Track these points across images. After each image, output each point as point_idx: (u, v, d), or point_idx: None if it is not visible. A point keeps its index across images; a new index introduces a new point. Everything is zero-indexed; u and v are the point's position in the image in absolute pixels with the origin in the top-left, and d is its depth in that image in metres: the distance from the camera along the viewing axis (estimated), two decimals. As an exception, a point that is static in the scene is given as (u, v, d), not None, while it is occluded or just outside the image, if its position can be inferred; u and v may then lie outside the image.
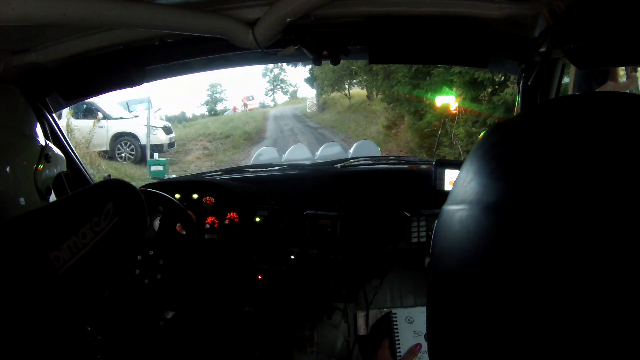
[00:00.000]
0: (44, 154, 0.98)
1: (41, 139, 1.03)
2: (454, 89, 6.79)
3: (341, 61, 1.10)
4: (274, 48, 1.06)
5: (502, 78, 6.45)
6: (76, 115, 8.82)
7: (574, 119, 0.29)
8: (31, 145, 0.98)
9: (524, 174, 0.29)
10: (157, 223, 1.22)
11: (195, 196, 1.38)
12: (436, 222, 0.38)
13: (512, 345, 0.26)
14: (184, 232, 1.21)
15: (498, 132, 0.35)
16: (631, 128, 0.26)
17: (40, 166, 0.96)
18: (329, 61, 1.07)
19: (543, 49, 0.96)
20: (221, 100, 29.36)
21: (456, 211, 0.33)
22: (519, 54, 1.06)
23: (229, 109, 26.41)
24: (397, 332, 1.14)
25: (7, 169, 0.89)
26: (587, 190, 0.25)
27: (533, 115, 0.35)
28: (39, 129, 1.06)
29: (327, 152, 4.26)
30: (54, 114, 1.19)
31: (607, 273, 0.23)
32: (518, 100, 1.15)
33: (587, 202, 0.24)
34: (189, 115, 26.27)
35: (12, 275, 0.49)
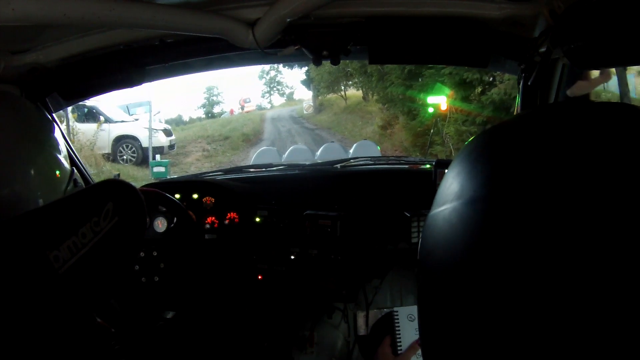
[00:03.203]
0: None
1: None
2: (445, 89, 7.03)
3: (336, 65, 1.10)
4: (274, 48, 1.06)
5: (491, 79, 6.71)
6: (79, 119, 9.14)
7: (557, 123, 0.30)
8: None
9: (504, 165, 0.30)
10: (159, 223, 1.22)
11: (195, 196, 1.38)
12: (422, 230, 0.39)
13: (503, 338, 0.27)
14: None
15: (479, 137, 0.36)
16: (614, 131, 0.27)
17: None
18: (329, 61, 1.07)
19: (543, 49, 0.96)
20: (218, 102, 29.45)
21: (439, 212, 0.34)
22: (519, 54, 1.06)
23: (225, 112, 26.51)
24: (399, 330, 1.14)
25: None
26: (567, 178, 0.26)
27: (519, 120, 0.36)
28: None
29: (327, 152, 4.27)
30: (54, 114, 1.19)
31: (594, 263, 0.23)
32: (518, 100, 1.15)
33: (568, 189, 0.25)
34: (185, 118, 26.39)
35: (12, 275, 0.49)
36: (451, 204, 0.32)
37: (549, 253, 0.25)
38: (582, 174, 0.26)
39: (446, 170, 0.39)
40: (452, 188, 0.33)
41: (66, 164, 0.72)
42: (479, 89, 7.06)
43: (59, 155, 0.70)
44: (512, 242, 0.26)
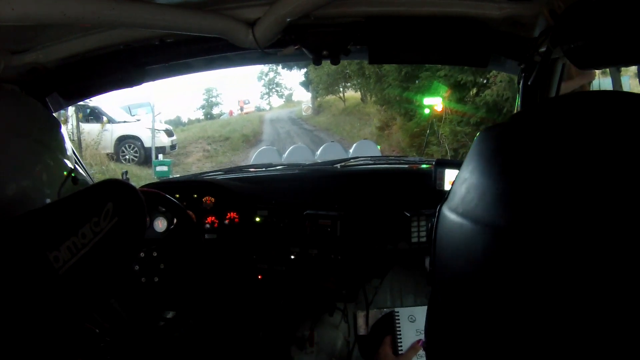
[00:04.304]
0: None
1: None
2: (440, 90, 7.28)
3: (335, 65, 1.10)
4: (274, 48, 1.05)
5: (485, 81, 6.99)
6: (84, 119, 9.35)
7: (577, 124, 0.29)
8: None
9: (526, 193, 0.29)
10: (159, 224, 1.22)
11: (195, 196, 1.38)
12: (435, 223, 0.38)
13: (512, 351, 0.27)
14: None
15: (498, 140, 0.34)
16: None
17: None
18: (328, 61, 1.07)
19: (543, 49, 0.96)
20: (217, 104, 29.43)
21: (457, 220, 0.33)
22: (519, 53, 1.06)
23: (224, 113, 26.56)
24: (400, 330, 1.15)
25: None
26: (598, 206, 0.25)
27: (534, 119, 0.34)
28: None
29: (326, 152, 4.26)
30: (53, 114, 1.18)
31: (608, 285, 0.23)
32: (518, 100, 1.15)
33: (599, 223, 0.24)
34: (184, 119, 26.37)
35: (12, 276, 0.49)
36: (464, 219, 0.31)
37: (560, 288, 0.25)
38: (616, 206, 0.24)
39: (448, 170, 0.38)
40: (464, 193, 0.32)
41: (67, 162, 0.72)
42: (474, 91, 7.28)
43: (59, 154, 0.70)
44: (525, 273, 0.26)
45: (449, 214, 0.35)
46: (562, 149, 0.28)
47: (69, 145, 0.74)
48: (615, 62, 0.82)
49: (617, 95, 0.29)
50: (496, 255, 0.28)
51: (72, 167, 0.71)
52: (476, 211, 0.31)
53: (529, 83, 1.04)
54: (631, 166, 0.25)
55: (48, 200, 0.66)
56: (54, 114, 1.18)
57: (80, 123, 8.93)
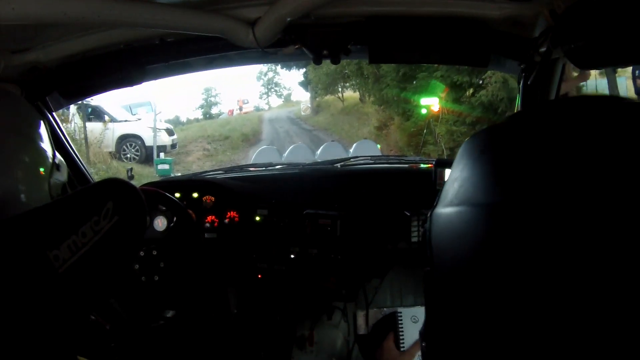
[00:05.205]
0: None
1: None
2: (437, 91, 7.35)
3: (334, 65, 1.10)
4: (274, 47, 1.05)
5: (480, 82, 7.12)
6: (86, 118, 9.35)
7: (559, 122, 0.30)
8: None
9: (507, 172, 0.30)
10: (159, 223, 1.22)
11: (195, 195, 1.38)
12: (429, 228, 0.38)
13: (506, 340, 0.27)
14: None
15: (486, 136, 0.36)
16: (611, 129, 0.27)
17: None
18: (329, 60, 1.07)
19: (543, 49, 0.96)
20: (216, 103, 29.46)
21: (446, 213, 0.34)
22: (519, 53, 1.06)
23: (223, 112, 26.61)
24: (402, 331, 1.14)
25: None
26: (576, 189, 0.26)
27: (520, 118, 0.36)
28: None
29: (327, 151, 4.27)
30: (54, 113, 1.19)
31: (599, 269, 0.24)
32: (518, 100, 1.15)
33: (577, 199, 0.25)
34: (183, 119, 26.40)
35: (11, 275, 0.49)
36: (459, 207, 0.32)
37: (553, 260, 0.25)
38: (588, 179, 0.25)
39: (448, 170, 0.39)
40: (457, 188, 0.33)
41: (49, 151, 0.71)
42: (470, 91, 7.40)
43: (43, 145, 0.69)
44: (520, 248, 0.27)
45: (443, 210, 0.36)
46: (553, 133, 0.29)
47: (46, 135, 0.74)
48: (615, 63, 0.83)
49: (604, 100, 0.31)
50: (498, 231, 0.29)
51: (53, 154, 0.71)
52: (472, 196, 0.32)
53: (529, 83, 1.05)
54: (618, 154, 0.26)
55: (40, 194, 0.66)
56: (54, 113, 1.19)
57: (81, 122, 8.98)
